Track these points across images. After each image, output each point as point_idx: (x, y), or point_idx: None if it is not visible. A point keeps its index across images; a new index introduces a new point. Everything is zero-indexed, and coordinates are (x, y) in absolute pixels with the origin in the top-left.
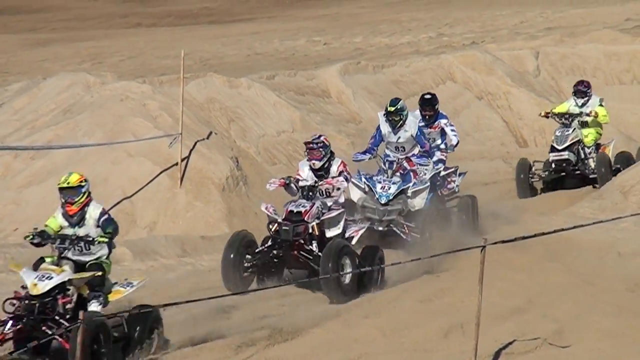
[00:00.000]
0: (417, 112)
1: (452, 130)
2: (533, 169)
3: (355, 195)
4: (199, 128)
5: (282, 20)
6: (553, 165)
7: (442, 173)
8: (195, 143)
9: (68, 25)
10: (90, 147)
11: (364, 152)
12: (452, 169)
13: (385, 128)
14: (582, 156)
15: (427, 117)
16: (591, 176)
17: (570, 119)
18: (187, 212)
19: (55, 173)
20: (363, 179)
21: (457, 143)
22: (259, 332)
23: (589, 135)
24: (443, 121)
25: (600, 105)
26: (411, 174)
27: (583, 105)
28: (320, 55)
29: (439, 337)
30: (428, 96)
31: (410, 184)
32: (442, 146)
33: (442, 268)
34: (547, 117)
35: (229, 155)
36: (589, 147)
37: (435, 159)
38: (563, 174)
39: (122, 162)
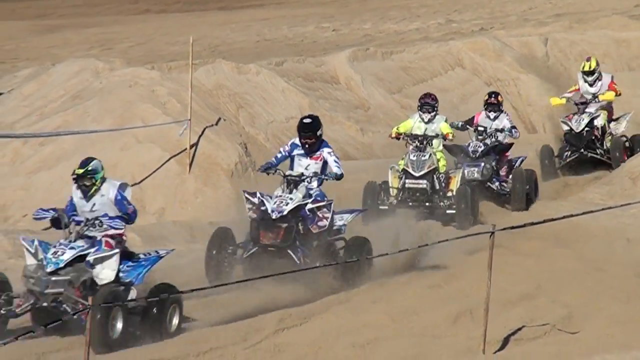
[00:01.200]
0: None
1: (336, 161)
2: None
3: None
4: (207, 114)
5: (291, 7)
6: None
7: (310, 206)
8: (204, 129)
9: (77, 11)
10: (99, 133)
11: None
12: (325, 203)
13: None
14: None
15: (306, 145)
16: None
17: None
18: (196, 198)
19: (64, 159)
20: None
21: (341, 175)
22: (268, 318)
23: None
24: (326, 150)
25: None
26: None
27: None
28: (329, 42)
29: (448, 322)
30: (308, 120)
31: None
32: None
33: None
34: (398, 139)
35: (237, 141)
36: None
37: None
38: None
39: (131, 148)
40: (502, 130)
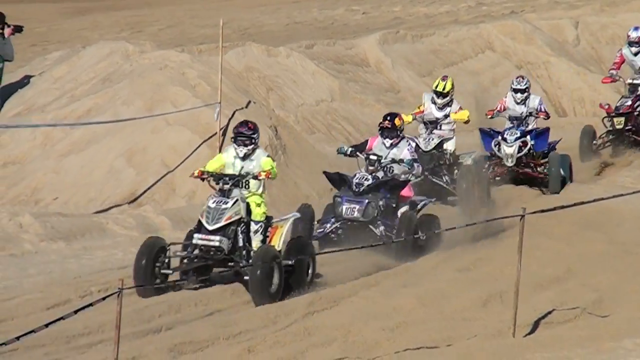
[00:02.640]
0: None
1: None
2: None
3: None
4: (237, 97)
5: None
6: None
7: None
8: (234, 112)
9: None
10: (128, 120)
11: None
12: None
13: None
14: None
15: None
16: None
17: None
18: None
19: (95, 142)
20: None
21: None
22: (298, 301)
23: None
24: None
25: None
26: None
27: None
28: (359, 25)
29: (478, 306)
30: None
31: None
32: None
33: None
34: (202, 180)
35: (267, 124)
36: None
37: None
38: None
39: (161, 130)
40: (400, 162)
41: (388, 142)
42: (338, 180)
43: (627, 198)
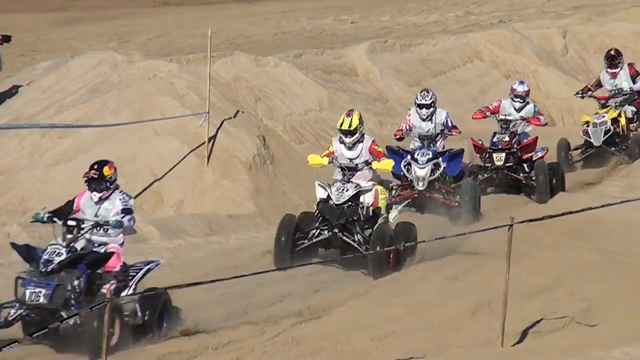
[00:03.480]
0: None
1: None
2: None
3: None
4: (226, 107)
5: None
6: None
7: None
8: (222, 122)
9: (97, 3)
10: (117, 125)
11: None
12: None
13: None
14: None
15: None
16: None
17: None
18: (214, 190)
19: (83, 152)
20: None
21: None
22: (286, 311)
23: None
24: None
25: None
26: None
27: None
28: (348, 34)
29: (466, 315)
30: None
31: None
32: None
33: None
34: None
35: (256, 133)
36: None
37: None
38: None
39: (150, 140)
40: (104, 225)
41: (96, 196)
42: (26, 254)
43: (614, 207)
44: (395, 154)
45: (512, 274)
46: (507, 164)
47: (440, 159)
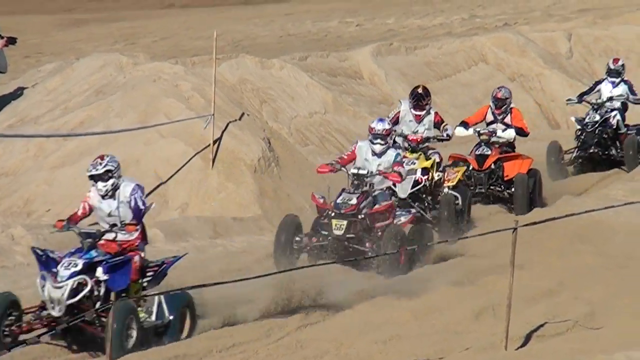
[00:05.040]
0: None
1: None
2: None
3: None
4: (231, 109)
5: (314, 2)
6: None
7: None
8: (228, 124)
9: (102, 5)
10: (122, 131)
11: None
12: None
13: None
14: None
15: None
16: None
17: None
18: (219, 193)
19: (88, 154)
20: None
21: None
22: (291, 314)
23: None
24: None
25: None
26: None
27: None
28: (353, 37)
29: (470, 319)
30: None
31: None
32: None
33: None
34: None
35: (260, 136)
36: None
37: None
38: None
39: (155, 143)
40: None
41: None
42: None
43: (618, 210)
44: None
45: (516, 277)
46: (348, 235)
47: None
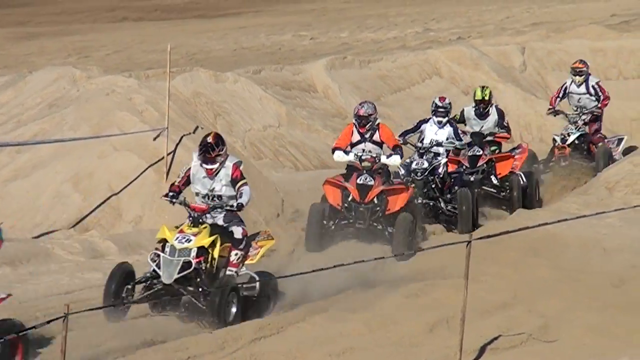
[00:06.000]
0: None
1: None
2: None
3: None
4: (185, 122)
5: (268, 15)
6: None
7: None
8: (182, 137)
9: (55, 19)
10: (76, 141)
11: None
12: None
13: None
14: None
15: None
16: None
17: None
18: (172, 206)
19: (41, 167)
20: None
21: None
22: (245, 327)
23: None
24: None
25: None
26: None
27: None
28: (307, 50)
29: (425, 332)
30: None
31: None
32: None
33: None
34: None
35: None
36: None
37: None
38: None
39: (108, 156)
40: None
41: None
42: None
43: (571, 224)
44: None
45: (471, 290)
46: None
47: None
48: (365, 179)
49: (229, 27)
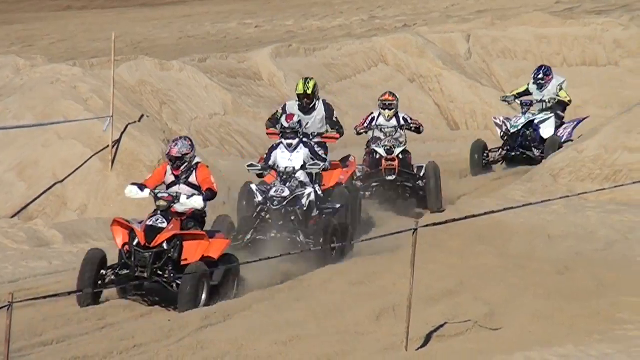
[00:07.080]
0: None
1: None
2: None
3: None
4: (130, 111)
5: (213, 3)
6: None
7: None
8: (127, 126)
9: None
10: (20, 129)
11: None
12: None
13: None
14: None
15: None
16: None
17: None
18: (118, 195)
19: None
20: None
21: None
22: (191, 315)
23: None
24: None
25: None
26: None
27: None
28: (252, 38)
29: (371, 319)
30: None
31: None
32: None
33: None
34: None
35: (160, 138)
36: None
37: None
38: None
39: (53, 144)
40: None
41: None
42: None
43: (517, 212)
44: None
45: (417, 278)
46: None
47: None
48: (157, 221)
49: (174, 16)
